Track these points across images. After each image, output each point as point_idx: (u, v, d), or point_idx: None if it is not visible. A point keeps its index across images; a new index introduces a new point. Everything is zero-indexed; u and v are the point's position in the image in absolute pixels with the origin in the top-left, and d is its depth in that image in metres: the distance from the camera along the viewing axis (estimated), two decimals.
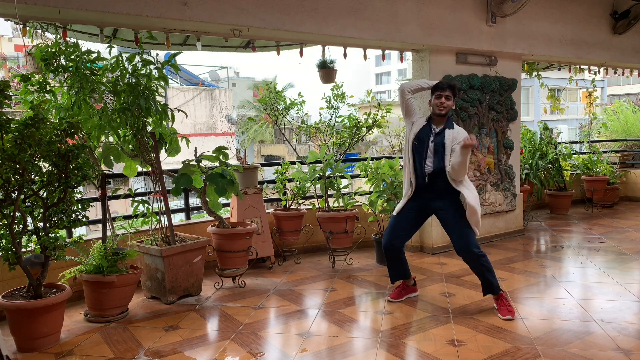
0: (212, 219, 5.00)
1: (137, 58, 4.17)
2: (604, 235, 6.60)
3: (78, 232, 5.70)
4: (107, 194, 4.31)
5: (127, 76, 4.15)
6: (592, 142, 9.91)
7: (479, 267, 3.94)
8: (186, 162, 4.66)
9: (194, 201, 6.37)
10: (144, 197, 4.63)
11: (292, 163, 5.95)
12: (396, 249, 4.14)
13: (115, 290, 3.89)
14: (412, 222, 4.16)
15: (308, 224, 5.81)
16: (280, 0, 4.73)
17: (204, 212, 5.03)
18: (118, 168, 5.01)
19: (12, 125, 3.32)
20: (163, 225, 4.52)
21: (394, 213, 4.18)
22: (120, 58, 4.15)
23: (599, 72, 8.33)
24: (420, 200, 4.06)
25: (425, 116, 4.16)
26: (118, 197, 5.15)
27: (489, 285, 3.97)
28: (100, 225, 4.25)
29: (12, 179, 3.33)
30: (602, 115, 11.87)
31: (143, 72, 4.18)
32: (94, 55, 4.08)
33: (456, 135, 3.94)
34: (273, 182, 6.04)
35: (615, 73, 8.46)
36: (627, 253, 5.68)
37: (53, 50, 4.00)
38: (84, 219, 3.78)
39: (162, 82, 4.31)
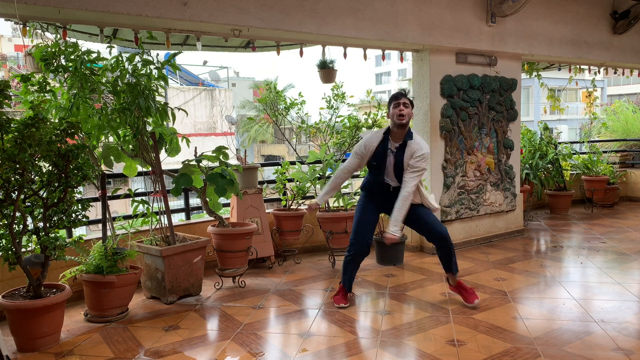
0: (212, 219, 5.00)
1: (137, 58, 4.17)
2: (604, 235, 6.60)
3: (78, 232, 5.70)
4: (107, 194, 4.31)
5: (127, 76, 4.15)
6: (592, 142, 9.91)
7: (450, 248, 4.12)
8: (186, 162, 4.66)
9: (194, 201, 6.37)
10: (144, 197, 4.63)
11: (292, 163, 5.95)
12: (368, 248, 4.13)
13: (115, 290, 3.89)
14: (374, 222, 4.23)
15: (308, 224, 5.81)
16: (280, 0, 4.73)
17: (204, 212, 5.03)
18: (118, 168, 5.01)
19: (12, 125, 3.31)
20: (163, 225, 4.52)
21: (358, 213, 4.19)
22: (120, 58, 4.15)
23: (599, 72, 8.33)
24: (379, 202, 4.17)
25: (379, 131, 4.13)
26: (118, 197, 5.15)
27: (454, 263, 4.18)
28: (100, 225, 4.25)
29: (12, 179, 3.33)
30: (602, 115, 11.87)
31: (143, 72, 4.18)
32: (94, 55, 4.08)
33: (415, 148, 3.94)
34: (273, 182, 6.04)
35: (615, 73, 8.46)
36: (627, 253, 5.68)
37: (53, 50, 4.00)
38: (84, 219, 3.78)
39: (162, 82, 4.31)
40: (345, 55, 5.48)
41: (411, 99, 4.06)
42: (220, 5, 4.45)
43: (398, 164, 3.98)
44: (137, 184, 9.59)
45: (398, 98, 3.96)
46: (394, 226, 3.91)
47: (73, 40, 4.20)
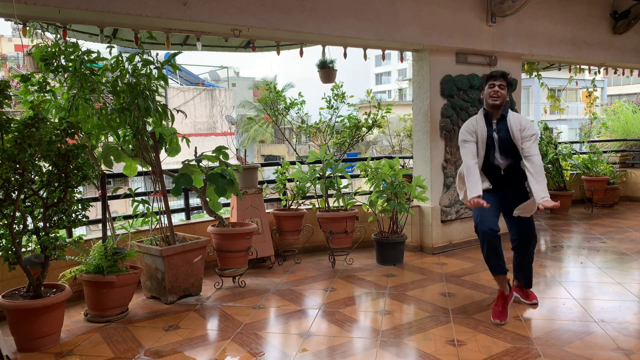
0: (212, 219, 5.00)
1: (137, 58, 4.17)
2: (604, 235, 6.60)
3: (78, 232, 5.70)
4: (107, 194, 4.31)
5: (127, 76, 4.15)
6: (592, 142, 9.91)
7: (532, 255, 4.06)
8: (186, 162, 4.66)
9: (194, 201, 6.37)
10: (144, 197, 4.63)
11: (292, 163, 5.95)
12: (497, 234, 3.78)
13: (115, 290, 3.89)
14: (497, 211, 3.91)
15: (308, 224, 5.81)
16: (280, 0, 4.73)
17: (204, 212, 5.03)
18: (118, 168, 5.01)
19: (12, 125, 3.32)
20: (163, 225, 4.52)
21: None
22: (120, 58, 4.15)
23: (599, 72, 8.33)
24: (496, 192, 3.94)
25: (475, 115, 3.99)
26: (118, 197, 5.15)
27: (530, 278, 4.16)
28: (100, 225, 4.25)
29: (12, 179, 3.33)
30: (602, 115, 11.87)
31: (143, 72, 4.18)
32: (94, 55, 4.09)
33: (516, 119, 3.83)
34: (273, 182, 6.04)
35: (615, 73, 8.45)
36: (627, 253, 5.68)
37: (53, 50, 4.00)
38: (84, 219, 3.78)
39: (162, 82, 4.31)
40: (345, 55, 5.48)
41: (510, 79, 3.92)
42: (220, 5, 4.45)
43: (505, 141, 3.84)
44: (137, 184, 9.59)
45: (494, 78, 3.85)
46: (544, 192, 3.68)
47: (73, 40, 4.20)
